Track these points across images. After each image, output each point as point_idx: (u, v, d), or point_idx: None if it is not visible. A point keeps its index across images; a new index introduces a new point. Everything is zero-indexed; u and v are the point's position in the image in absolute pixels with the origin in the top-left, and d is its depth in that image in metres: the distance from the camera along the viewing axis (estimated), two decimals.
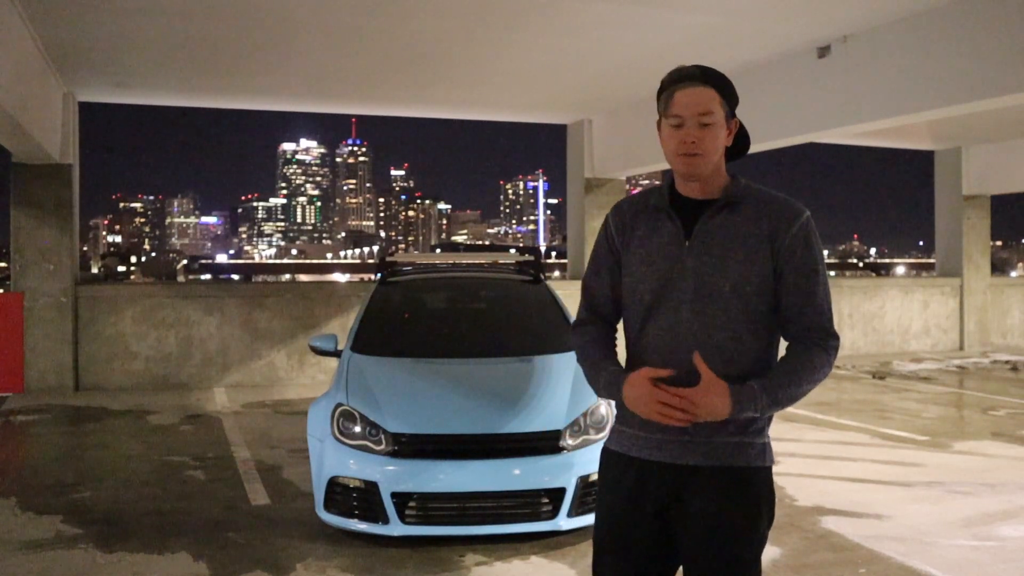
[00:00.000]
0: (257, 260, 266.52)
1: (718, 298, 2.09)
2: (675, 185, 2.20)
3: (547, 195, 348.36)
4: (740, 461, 2.11)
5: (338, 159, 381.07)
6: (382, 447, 4.57)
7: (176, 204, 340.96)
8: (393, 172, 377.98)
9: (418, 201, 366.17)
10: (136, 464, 6.69)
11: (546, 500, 4.52)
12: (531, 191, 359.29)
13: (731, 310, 2.09)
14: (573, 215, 13.59)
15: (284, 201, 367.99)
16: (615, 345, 2.31)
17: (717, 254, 2.10)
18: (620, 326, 2.34)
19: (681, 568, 2.20)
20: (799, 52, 8.97)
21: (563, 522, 4.53)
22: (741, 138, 2.20)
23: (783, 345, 2.20)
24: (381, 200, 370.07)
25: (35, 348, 10.15)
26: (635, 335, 2.20)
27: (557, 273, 30.46)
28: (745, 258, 2.09)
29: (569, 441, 4.64)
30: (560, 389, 4.94)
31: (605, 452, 2.29)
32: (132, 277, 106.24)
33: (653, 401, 2.03)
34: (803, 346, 2.12)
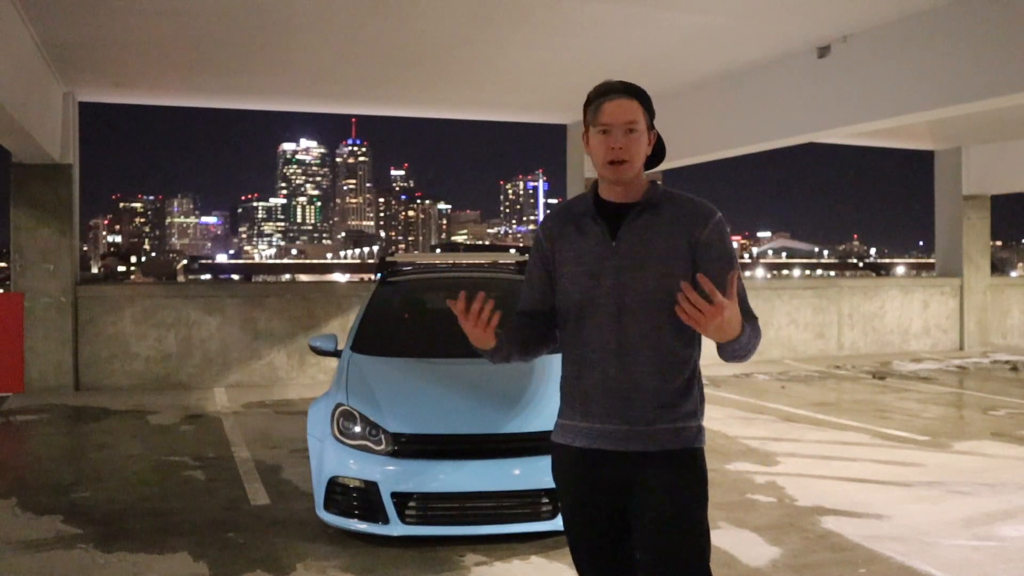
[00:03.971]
0: (257, 260, 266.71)
1: (644, 292, 2.24)
2: (599, 191, 2.38)
3: (547, 195, 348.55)
4: (680, 444, 2.26)
5: (338, 159, 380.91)
6: (382, 447, 4.57)
7: (176, 204, 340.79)
8: (393, 172, 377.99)
9: (418, 201, 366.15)
10: (136, 464, 6.69)
11: (546, 500, 4.52)
12: (531, 191, 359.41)
13: (656, 304, 2.23)
14: None
15: (284, 201, 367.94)
16: (535, 331, 2.42)
17: (641, 251, 2.26)
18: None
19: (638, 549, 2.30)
20: (799, 52, 8.97)
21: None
22: (658, 148, 2.37)
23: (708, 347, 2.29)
24: (381, 200, 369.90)
25: (35, 348, 10.15)
26: (571, 332, 2.34)
27: None
28: (666, 254, 2.25)
29: None
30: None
31: (555, 447, 2.40)
32: (132, 277, 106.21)
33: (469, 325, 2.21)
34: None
